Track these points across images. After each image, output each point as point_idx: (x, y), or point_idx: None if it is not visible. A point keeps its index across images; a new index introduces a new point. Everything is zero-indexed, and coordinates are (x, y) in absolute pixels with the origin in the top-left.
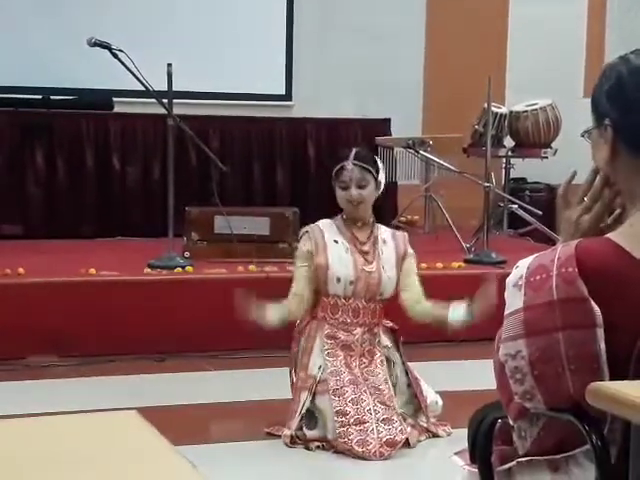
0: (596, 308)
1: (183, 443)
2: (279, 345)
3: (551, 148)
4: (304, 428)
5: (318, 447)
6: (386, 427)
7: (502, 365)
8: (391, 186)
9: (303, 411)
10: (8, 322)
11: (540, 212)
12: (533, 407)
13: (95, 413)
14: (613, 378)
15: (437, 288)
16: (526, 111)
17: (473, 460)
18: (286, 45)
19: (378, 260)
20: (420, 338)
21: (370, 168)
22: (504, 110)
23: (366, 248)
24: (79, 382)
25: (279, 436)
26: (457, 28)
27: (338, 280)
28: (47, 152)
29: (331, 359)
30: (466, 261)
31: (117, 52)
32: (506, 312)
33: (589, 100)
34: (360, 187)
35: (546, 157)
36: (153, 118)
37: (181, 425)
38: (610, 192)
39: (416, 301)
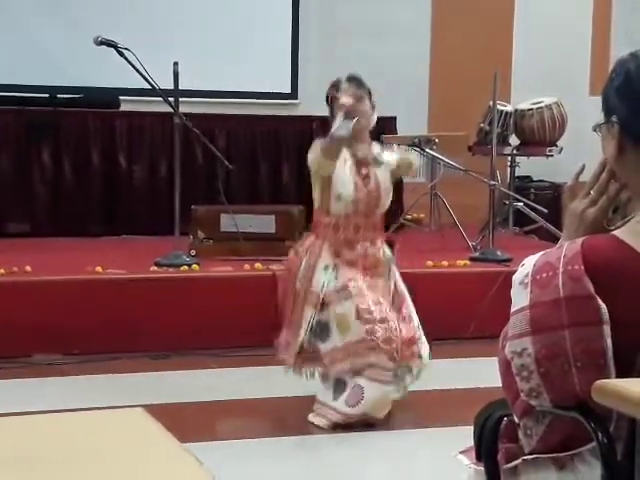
0: (602, 305)
1: (189, 440)
2: None
3: (556, 146)
4: (315, 341)
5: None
6: (405, 325)
7: (508, 363)
8: (397, 184)
9: (313, 324)
10: (15, 320)
11: (545, 210)
12: (539, 405)
13: (102, 410)
14: (619, 375)
15: (443, 286)
16: (531, 109)
17: (479, 458)
18: (292, 43)
19: (375, 178)
20: (427, 336)
21: (364, 84)
22: (509, 108)
23: (365, 170)
24: (85, 380)
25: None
26: (463, 26)
27: (339, 198)
28: (53, 150)
29: (340, 271)
30: (472, 259)
31: (123, 50)
32: (512, 310)
33: (595, 98)
34: (358, 101)
35: (551, 155)
36: (159, 116)
37: (187, 422)
38: (616, 186)
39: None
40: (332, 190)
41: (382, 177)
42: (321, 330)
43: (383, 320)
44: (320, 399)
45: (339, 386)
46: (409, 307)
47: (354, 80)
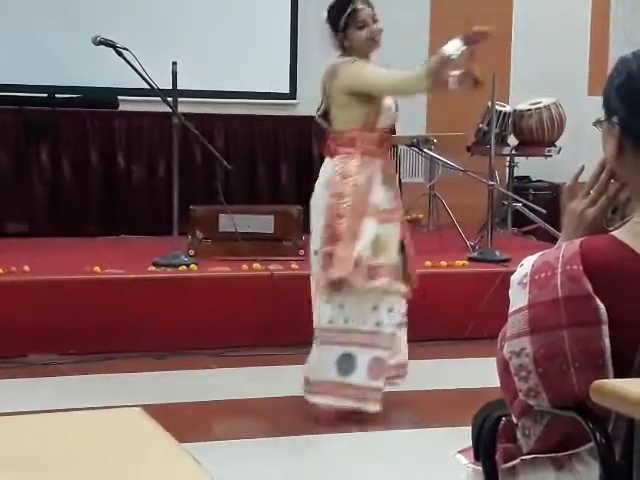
0: (601, 305)
1: (187, 440)
2: (282, 343)
3: (555, 146)
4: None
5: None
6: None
7: (506, 363)
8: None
9: (372, 238)
10: (12, 319)
11: (544, 210)
12: (537, 405)
13: (100, 410)
14: (618, 375)
15: (441, 286)
16: (530, 109)
17: (477, 458)
18: (290, 43)
19: None
20: (426, 337)
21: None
22: (508, 108)
23: None
24: (82, 380)
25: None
26: (461, 28)
27: (389, 109)
28: (52, 150)
29: (391, 195)
30: (470, 259)
31: (122, 50)
32: (510, 310)
33: (593, 98)
34: (375, 22)
35: (550, 155)
36: (158, 116)
37: (185, 422)
38: (615, 186)
39: None
40: (381, 103)
41: None
42: (377, 247)
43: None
44: (320, 378)
45: (346, 361)
46: None
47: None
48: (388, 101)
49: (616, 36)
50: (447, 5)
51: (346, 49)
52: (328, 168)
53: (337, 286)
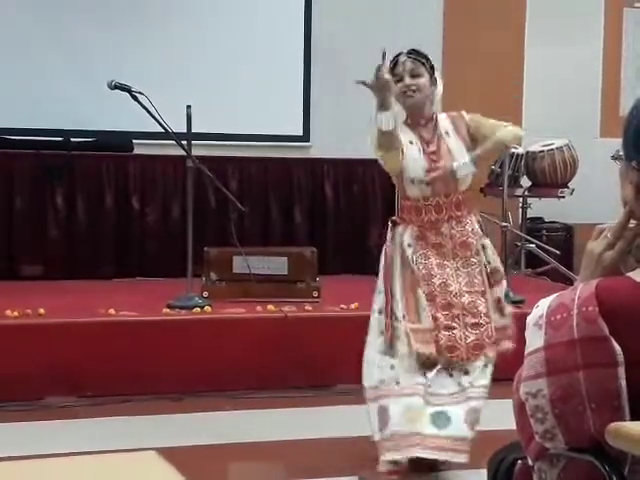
0: (617, 347)
1: None
2: (297, 384)
3: (568, 188)
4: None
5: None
6: (474, 332)
7: (522, 404)
8: None
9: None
10: (28, 362)
11: (557, 251)
12: (553, 447)
13: (115, 453)
14: (634, 417)
15: None
16: (542, 151)
17: None
18: (303, 86)
19: (447, 155)
20: None
21: (423, 61)
22: (520, 150)
23: (433, 147)
24: (98, 422)
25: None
26: (473, 68)
27: (412, 182)
28: (67, 193)
29: (423, 261)
30: None
31: (137, 94)
32: (527, 351)
33: (605, 140)
34: (414, 77)
35: (563, 197)
36: (172, 159)
37: (200, 465)
38: (634, 229)
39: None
40: (404, 175)
41: (456, 149)
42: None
43: (447, 328)
44: (407, 430)
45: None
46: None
47: (412, 53)
48: (415, 175)
49: (628, 78)
50: (459, 50)
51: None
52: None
53: None
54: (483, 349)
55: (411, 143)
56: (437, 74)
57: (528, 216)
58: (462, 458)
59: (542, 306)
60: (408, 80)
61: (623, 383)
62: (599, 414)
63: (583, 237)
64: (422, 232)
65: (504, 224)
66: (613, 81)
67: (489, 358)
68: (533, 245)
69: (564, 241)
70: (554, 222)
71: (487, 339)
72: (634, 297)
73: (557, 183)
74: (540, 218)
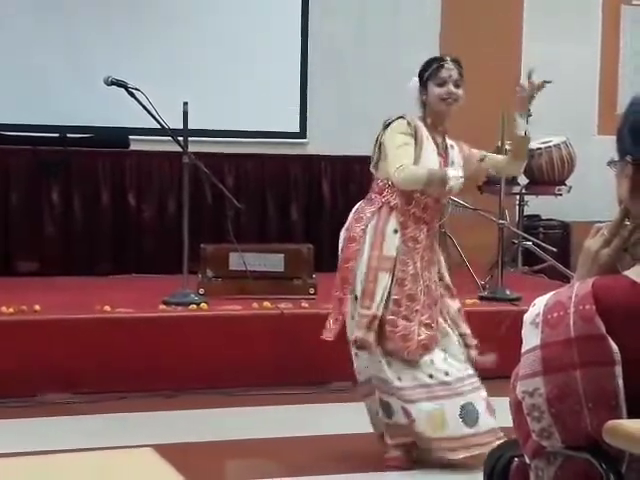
0: (614, 345)
1: None
2: (292, 381)
3: (565, 185)
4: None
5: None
6: (426, 332)
7: (519, 403)
8: None
9: (384, 294)
10: (23, 359)
11: (554, 249)
12: (550, 445)
13: (111, 450)
14: (631, 416)
15: None
16: (540, 148)
17: None
18: (300, 83)
19: (450, 164)
20: None
21: (463, 73)
22: None
23: (442, 154)
24: (94, 419)
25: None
26: (471, 65)
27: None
28: (63, 190)
29: (403, 247)
30: (480, 298)
31: (133, 91)
32: (523, 350)
33: (603, 137)
34: (457, 87)
35: (560, 194)
36: (169, 156)
37: (196, 462)
38: (630, 227)
39: (496, 162)
40: (419, 164)
41: (457, 163)
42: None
43: (405, 318)
44: (452, 433)
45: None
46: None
47: (457, 64)
48: (432, 166)
49: (625, 75)
50: (456, 49)
51: (423, 103)
52: (353, 209)
53: None
54: (428, 350)
55: (427, 139)
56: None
57: (525, 214)
58: None
59: (539, 304)
60: (453, 88)
61: (620, 382)
62: (596, 413)
63: (580, 235)
64: (405, 222)
65: (501, 221)
66: (611, 79)
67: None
68: (530, 243)
69: (561, 239)
70: (551, 220)
71: (434, 344)
72: (631, 296)
73: (554, 180)
74: (537, 215)
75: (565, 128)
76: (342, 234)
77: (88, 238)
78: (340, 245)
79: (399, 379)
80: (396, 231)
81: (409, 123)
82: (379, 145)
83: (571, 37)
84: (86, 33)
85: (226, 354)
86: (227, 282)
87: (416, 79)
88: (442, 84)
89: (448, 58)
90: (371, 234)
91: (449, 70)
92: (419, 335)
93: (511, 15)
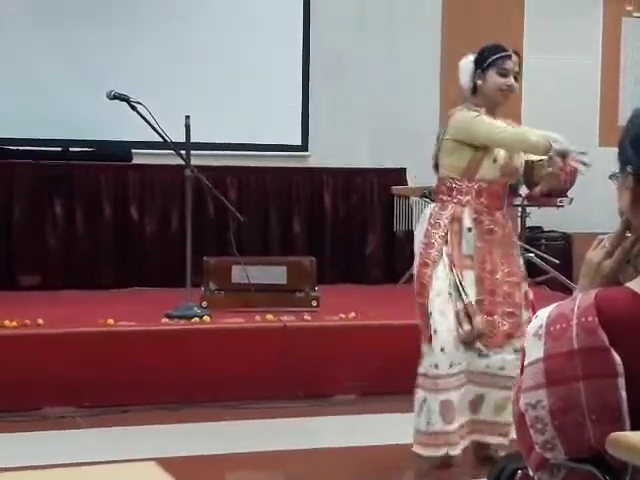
0: (617, 357)
1: None
2: (295, 394)
3: (567, 197)
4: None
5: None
6: (509, 320)
7: (522, 415)
8: (408, 235)
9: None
10: (26, 372)
11: (557, 261)
12: (553, 457)
13: (114, 464)
14: (635, 428)
15: None
16: (541, 160)
17: None
18: (302, 96)
19: None
20: None
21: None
22: None
23: None
24: (97, 432)
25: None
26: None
27: (494, 160)
28: (66, 203)
29: (479, 245)
30: None
31: (136, 104)
32: (526, 362)
33: (604, 149)
34: (515, 80)
35: (562, 206)
36: (171, 169)
37: (199, 475)
38: (632, 238)
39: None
40: (488, 154)
41: None
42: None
43: (489, 313)
44: (485, 418)
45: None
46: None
47: (517, 54)
48: (501, 153)
49: (626, 87)
50: (458, 58)
51: (475, 89)
52: (426, 214)
53: None
54: (512, 339)
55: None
56: None
57: (527, 225)
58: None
59: (541, 316)
60: (513, 81)
61: (623, 394)
62: (599, 425)
63: (582, 246)
64: (478, 216)
65: None
66: (612, 90)
67: (517, 349)
68: (532, 254)
69: (563, 250)
70: (553, 231)
71: (517, 330)
72: (633, 307)
73: (556, 192)
74: (539, 227)
75: (566, 139)
76: (417, 237)
77: (91, 251)
78: (416, 250)
79: None
80: (470, 229)
81: (472, 110)
82: (440, 142)
83: (572, 49)
84: (89, 47)
85: (229, 367)
86: (230, 295)
87: (471, 58)
88: (505, 74)
89: (510, 49)
90: (450, 237)
91: (513, 63)
92: (503, 326)
93: (512, 26)
